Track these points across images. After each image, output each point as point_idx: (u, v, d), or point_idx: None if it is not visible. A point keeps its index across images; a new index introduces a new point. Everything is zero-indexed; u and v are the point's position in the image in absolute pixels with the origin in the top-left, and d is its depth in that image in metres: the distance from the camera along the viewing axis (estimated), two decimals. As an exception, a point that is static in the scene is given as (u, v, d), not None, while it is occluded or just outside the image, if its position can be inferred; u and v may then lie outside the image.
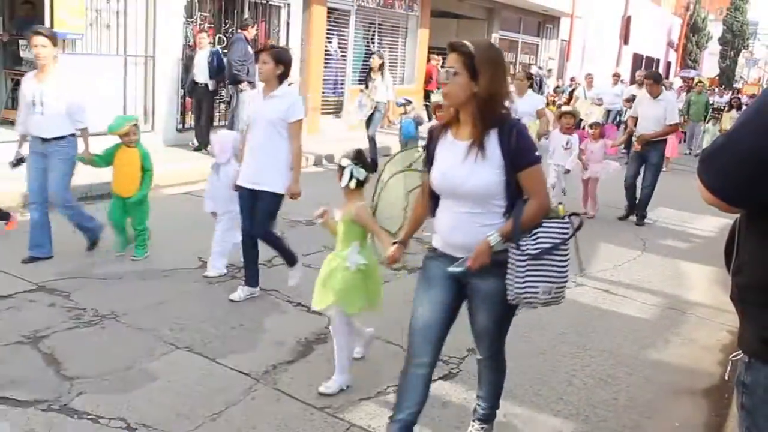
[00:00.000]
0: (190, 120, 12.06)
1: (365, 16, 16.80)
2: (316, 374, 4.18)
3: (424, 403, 3.25)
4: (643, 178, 9.22)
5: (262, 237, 5.26)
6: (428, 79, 18.25)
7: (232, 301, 5.28)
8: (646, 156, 9.11)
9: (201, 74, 11.25)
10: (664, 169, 11.75)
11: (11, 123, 10.66)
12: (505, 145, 2.94)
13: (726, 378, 4.30)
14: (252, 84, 11.03)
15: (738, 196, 1.84)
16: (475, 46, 2.92)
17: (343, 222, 4.02)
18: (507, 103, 3.03)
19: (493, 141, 2.96)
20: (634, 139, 9.04)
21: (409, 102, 11.05)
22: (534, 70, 19.34)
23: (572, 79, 19.50)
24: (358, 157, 4.01)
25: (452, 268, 3.07)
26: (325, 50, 15.39)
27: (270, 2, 13.44)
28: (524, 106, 9.33)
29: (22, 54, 10.55)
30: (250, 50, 11.01)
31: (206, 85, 11.28)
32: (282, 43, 13.25)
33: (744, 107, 16.96)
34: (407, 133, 10.94)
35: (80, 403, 3.71)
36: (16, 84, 11.01)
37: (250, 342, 4.64)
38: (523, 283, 2.95)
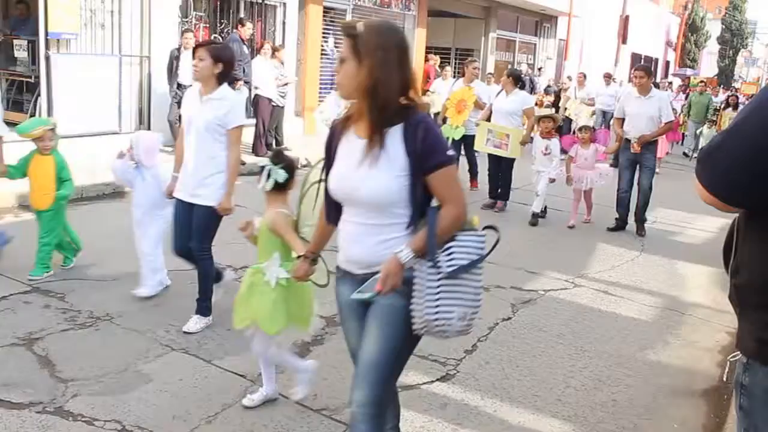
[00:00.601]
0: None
1: (362, 15, 16.76)
2: (313, 376, 4.16)
3: (398, 416, 3.06)
4: (639, 183, 8.54)
5: (197, 254, 4.70)
6: (426, 78, 18.24)
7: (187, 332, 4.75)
8: (640, 160, 8.42)
9: (186, 76, 10.68)
10: (657, 170, 11.64)
11: (7, 123, 10.66)
12: (410, 143, 2.50)
13: (725, 379, 4.30)
14: (248, 83, 11.00)
15: (736, 195, 1.83)
16: (364, 27, 2.51)
17: (260, 231, 3.66)
18: (412, 94, 2.57)
19: (396, 138, 2.52)
20: (633, 140, 8.29)
21: None
22: (524, 68, 18.78)
23: (569, 78, 19.31)
24: (277, 157, 3.67)
25: (357, 295, 2.61)
26: (322, 50, 15.37)
27: (266, 2, 13.43)
28: (511, 104, 9.30)
29: (16, 54, 10.52)
30: (246, 50, 10.98)
31: (191, 86, 10.97)
32: (278, 42, 13.24)
33: (741, 106, 16.89)
34: None
35: (75, 405, 3.69)
36: (11, 84, 11.01)
37: (245, 344, 4.58)
38: (436, 307, 2.49)
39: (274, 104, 11.58)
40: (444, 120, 10.06)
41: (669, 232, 9.16)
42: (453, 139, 9.70)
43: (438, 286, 2.50)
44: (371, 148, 2.54)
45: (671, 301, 6.28)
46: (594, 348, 5.02)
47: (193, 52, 4.62)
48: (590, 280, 6.67)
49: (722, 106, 18.40)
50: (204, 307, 4.78)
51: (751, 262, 1.89)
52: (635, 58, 33.32)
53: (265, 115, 11.37)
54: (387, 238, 2.58)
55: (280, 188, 3.64)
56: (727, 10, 51.74)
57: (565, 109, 15.45)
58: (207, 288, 4.80)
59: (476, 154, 10.40)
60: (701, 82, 20.27)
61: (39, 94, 9.94)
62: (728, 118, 15.76)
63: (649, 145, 8.35)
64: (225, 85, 4.61)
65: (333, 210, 2.80)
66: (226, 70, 4.57)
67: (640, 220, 8.65)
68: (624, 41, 28.95)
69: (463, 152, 10.07)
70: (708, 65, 49.71)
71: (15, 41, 10.55)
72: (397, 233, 2.58)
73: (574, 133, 9.66)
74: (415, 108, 2.57)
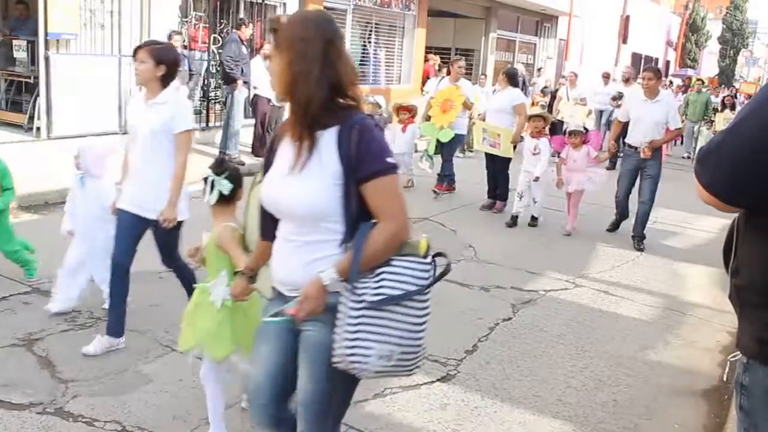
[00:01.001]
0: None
1: (362, 15, 16.78)
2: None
3: None
4: (640, 191, 7.92)
5: (173, 268, 4.62)
6: (426, 78, 18.22)
7: (86, 355, 4.30)
8: (642, 166, 7.81)
9: None
10: None
11: (6, 124, 10.69)
12: (344, 148, 2.22)
13: (725, 379, 4.30)
14: (247, 84, 10.99)
15: (736, 195, 1.83)
16: (286, 20, 2.30)
17: (207, 248, 3.37)
18: (353, 93, 2.30)
19: (330, 142, 2.24)
20: (645, 144, 7.65)
21: (377, 104, 10.28)
22: (520, 67, 18.06)
23: (564, 78, 18.93)
24: (219, 167, 3.38)
25: (270, 318, 2.38)
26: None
27: (266, 2, 13.42)
28: (500, 102, 9.26)
29: (15, 54, 10.53)
30: (245, 50, 10.96)
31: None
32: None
33: (738, 106, 16.77)
34: None
35: (75, 406, 3.69)
36: (10, 85, 11.03)
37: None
38: (353, 340, 2.17)
39: (273, 104, 11.57)
40: (428, 118, 9.95)
41: (669, 232, 9.15)
42: (438, 141, 9.62)
43: (358, 317, 2.18)
44: (299, 152, 2.27)
45: (672, 302, 6.28)
46: (595, 348, 5.02)
47: (134, 55, 4.31)
48: (591, 280, 6.67)
49: (719, 108, 18.16)
50: None
51: (751, 262, 1.89)
52: (636, 58, 33.38)
53: (264, 115, 11.36)
54: (318, 256, 2.28)
55: (227, 200, 3.37)
56: (728, 9, 51.71)
57: (558, 111, 15.05)
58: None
59: (469, 155, 10.24)
60: (698, 80, 20.04)
61: (38, 95, 9.95)
62: (723, 119, 15.49)
63: (654, 151, 7.76)
64: (170, 88, 4.30)
65: (268, 223, 2.49)
66: (170, 72, 4.27)
67: (639, 235, 8.01)
68: (624, 41, 28.97)
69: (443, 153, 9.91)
70: (709, 65, 49.69)
71: (14, 41, 10.57)
72: (329, 251, 2.27)
73: (565, 133, 9.15)
74: (355, 109, 2.30)
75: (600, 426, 3.94)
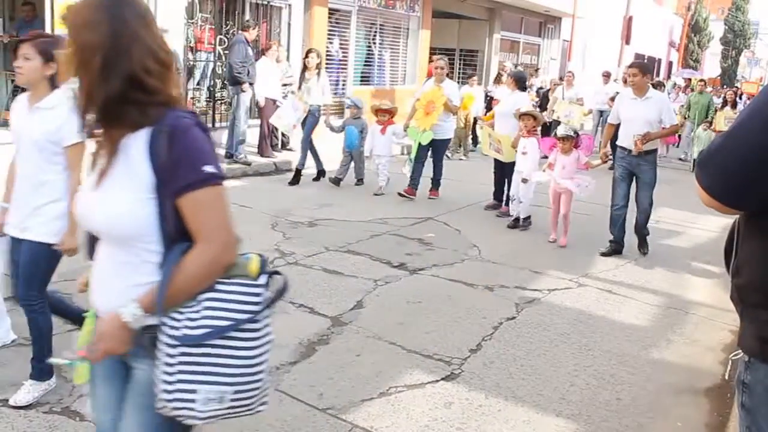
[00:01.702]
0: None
1: (366, 16, 16.80)
2: (318, 376, 4.18)
3: None
4: (637, 201, 7.50)
5: (23, 304, 3.72)
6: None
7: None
8: (637, 172, 7.36)
9: None
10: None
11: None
12: (155, 155, 1.85)
13: (727, 377, 4.31)
14: (252, 85, 11.01)
15: (737, 197, 1.83)
16: (71, 10, 1.92)
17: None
18: (159, 84, 1.90)
19: (139, 148, 1.88)
20: (637, 136, 7.14)
21: (356, 106, 10.19)
22: (509, 66, 17.09)
23: (560, 79, 18.51)
24: None
25: (54, 360, 2.06)
26: (327, 51, 15.40)
27: (271, 3, 13.45)
28: (505, 106, 9.25)
29: (23, 55, 10.55)
30: (251, 52, 10.99)
31: None
32: (283, 44, 13.24)
33: (741, 106, 16.66)
34: (350, 141, 9.98)
35: (82, 406, 3.70)
36: (16, 86, 11.05)
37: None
38: (172, 383, 1.84)
39: (279, 105, 11.60)
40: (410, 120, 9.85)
41: (672, 231, 9.16)
42: (420, 144, 9.54)
43: (177, 355, 1.84)
44: (104, 158, 1.94)
45: (674, 300, 6.29)
46: (598, 347, 5.03)
47: (15, 50, 3.59)
48: (594, 279, 6.68)
49: (720, 106, 17.93)
50: (40, 369, 3.84)
51: (751, 262, 1.90)
52: (638, 58, 33.31)
53: (269, 116, 11.39)
54: (136, 282, 1.91)
55: None
56: (730, 10, 51.72)
57: (553, 111, 14.88)
58: (44, 346, 3.81)
59: (453, 159, 10.04)
60: (701, 80, 19.89)
61: (44, 96, 9.97)
62: (724, 117, 15.30)
63: (647, 155, 7.29)
64: (60, 91, 3.53)
65: (91, 240, 2.12)
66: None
67: (641, 235, 7.73)
68: (627, 42, 28.94)
69: (430, 156, 9.79)
70: (711, 66, 49.70)
71: (21, 43, 10.59)
72: (149, 277, 1.90)
73: (555, 135, 8.64)
74: (169, 105, 1.92)
75: (603, 424, 3.96)
